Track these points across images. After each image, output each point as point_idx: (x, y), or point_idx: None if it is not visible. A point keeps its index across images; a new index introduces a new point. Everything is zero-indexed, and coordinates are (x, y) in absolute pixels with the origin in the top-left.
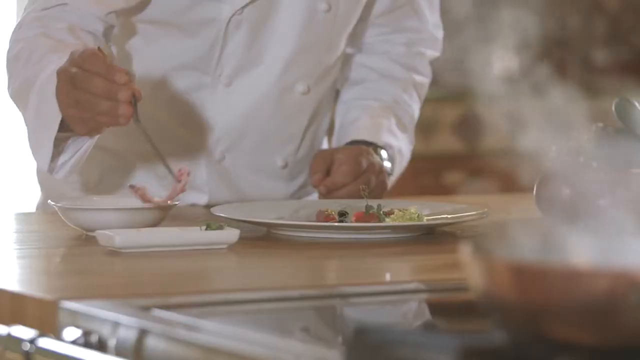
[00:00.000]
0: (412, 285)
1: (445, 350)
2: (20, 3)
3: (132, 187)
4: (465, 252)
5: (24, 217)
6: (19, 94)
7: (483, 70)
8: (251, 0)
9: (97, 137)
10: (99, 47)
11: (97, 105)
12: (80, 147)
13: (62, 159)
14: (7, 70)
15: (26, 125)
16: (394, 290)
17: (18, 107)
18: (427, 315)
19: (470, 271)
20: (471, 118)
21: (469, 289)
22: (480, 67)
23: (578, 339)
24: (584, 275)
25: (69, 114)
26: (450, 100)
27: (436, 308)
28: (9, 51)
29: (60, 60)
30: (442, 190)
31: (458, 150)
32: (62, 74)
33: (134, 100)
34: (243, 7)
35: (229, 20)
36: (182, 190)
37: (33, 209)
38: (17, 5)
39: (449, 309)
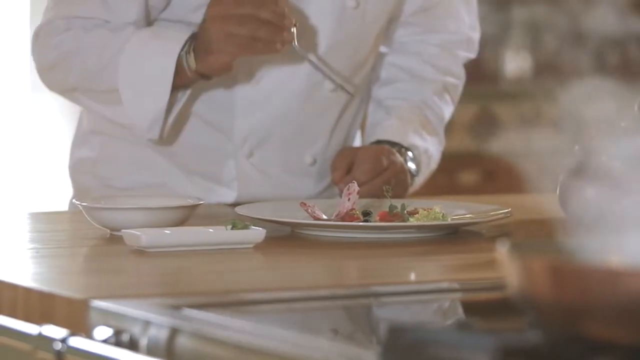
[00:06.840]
0: (443, 285)
1: (482, 349)
2: (34, 5)
3: (303, 204)
4: (501, 251)
5: (49, 217)
6: (91, 78)
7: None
8: None
9: (189, 92)
10: None
11: (260, 28)
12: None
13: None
14: (53, 70)
15: (123, 92)
16: (425, 290)
17: (90, 90)
18: (460, 314)
19: (506, 270)
20: (486, 117)
21: (501, 288)
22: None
23: (615, 339)
24: (622, 274)
25: (226, 30)
26: (464, 99)
27: (469, 307)
28: (42, 58)
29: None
30: (456, 190)
31: (472, 150)
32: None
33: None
34: None
35: None
36: (351, 209)
37: (66, 206)
38: (31, 6)
39: (482, 308)
